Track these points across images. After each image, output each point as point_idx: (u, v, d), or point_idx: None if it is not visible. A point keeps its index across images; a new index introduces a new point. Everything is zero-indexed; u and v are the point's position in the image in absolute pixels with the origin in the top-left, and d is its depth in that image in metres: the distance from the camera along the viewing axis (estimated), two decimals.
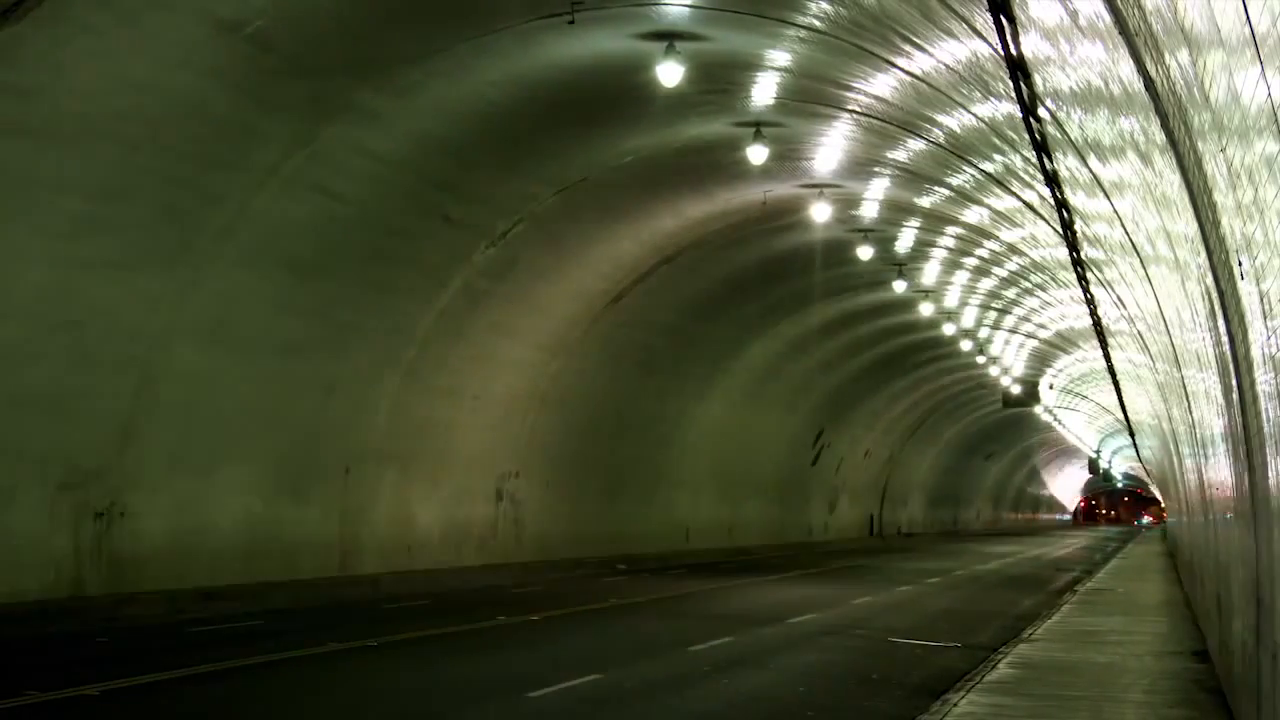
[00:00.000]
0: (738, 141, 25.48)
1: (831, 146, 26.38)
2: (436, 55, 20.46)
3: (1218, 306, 8.38)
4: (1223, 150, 6.50)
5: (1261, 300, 6.57)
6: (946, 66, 17.10)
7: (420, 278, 26.62)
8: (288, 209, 22.08)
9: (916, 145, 24.11)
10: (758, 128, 24.60)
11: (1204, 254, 8.33)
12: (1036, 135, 13.80)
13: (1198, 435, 14.49)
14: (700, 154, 27.05)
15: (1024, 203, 22.58)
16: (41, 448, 20.00)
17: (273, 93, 19.68)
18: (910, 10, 15.75)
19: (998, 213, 26.37)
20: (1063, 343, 47.59)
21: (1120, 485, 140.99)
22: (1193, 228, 8.54)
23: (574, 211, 28.21)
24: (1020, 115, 13.39)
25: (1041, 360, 56.40)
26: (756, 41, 20.55)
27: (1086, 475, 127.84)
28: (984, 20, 12.34)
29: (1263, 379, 7.10)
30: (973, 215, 28.99)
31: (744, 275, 36.71)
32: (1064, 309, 36.89)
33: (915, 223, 33.03)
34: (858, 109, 22.92)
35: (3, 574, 19.30)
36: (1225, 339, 8.43)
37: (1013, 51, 11.62)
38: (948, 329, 48.17)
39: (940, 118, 20.86)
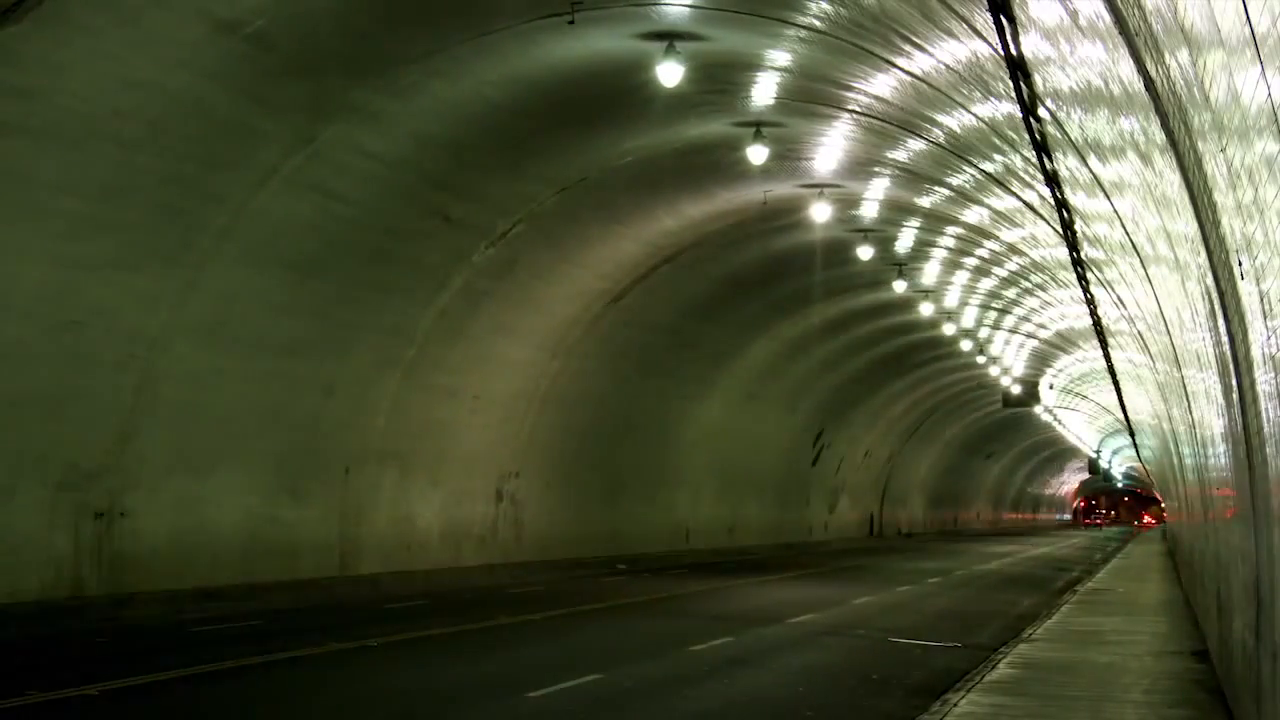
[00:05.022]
0: (738, 141, 25.47)
1: (831, 146, 26.38)
2: (436, 55, 20.46)
3: (1218, 306, 8.38)
4: (1223, 150, 6.50)
5: (1261, 300, 6.57)
6: (946, 66, 17.10)
7: (420, 278, 26.62)
8: (288, 209, 22.08)
9: (916, 145, 24.11)
10: (758, 128, 24.59)
11: (1204, 254, 8.33)
12: (1036, 135, 13.80)
13: (1198, 435, 14.49)
14: (700, 154, 27.05)
15: (1024, 203, 22.58)
16: (41, 448, 20.00)
17: (273, 93, 19.68)
18: (910, 10, 15.75)
19: (998, 213, 26.37)
20: (1063, 343, 47.60)
21: (1120, 485, 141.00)
22: (1193, 228, 8.54)
23: (574, 211, 28.21)
24: (1020, 115, 13.39)
25: (1041, 360, 56.41)
26: (756, 41, 20.55)
27: (1086, 475, 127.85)
28: (984, 20, 12.34)
29: (1263, 379, 7.11)
30: (973, 215, 29.00)
31: (744, 275, 36.70)
32: (1064, 309, 36.90)
33: (915, 223, 33.03)
34: (858, 109, 22.92)
35: (3, 574, 19.31)
36: (1225, 339, 8.44)
37: (1013, 51, 11.62)
38: (948, 329, 48.17)
39: (940, 118, 20.86)
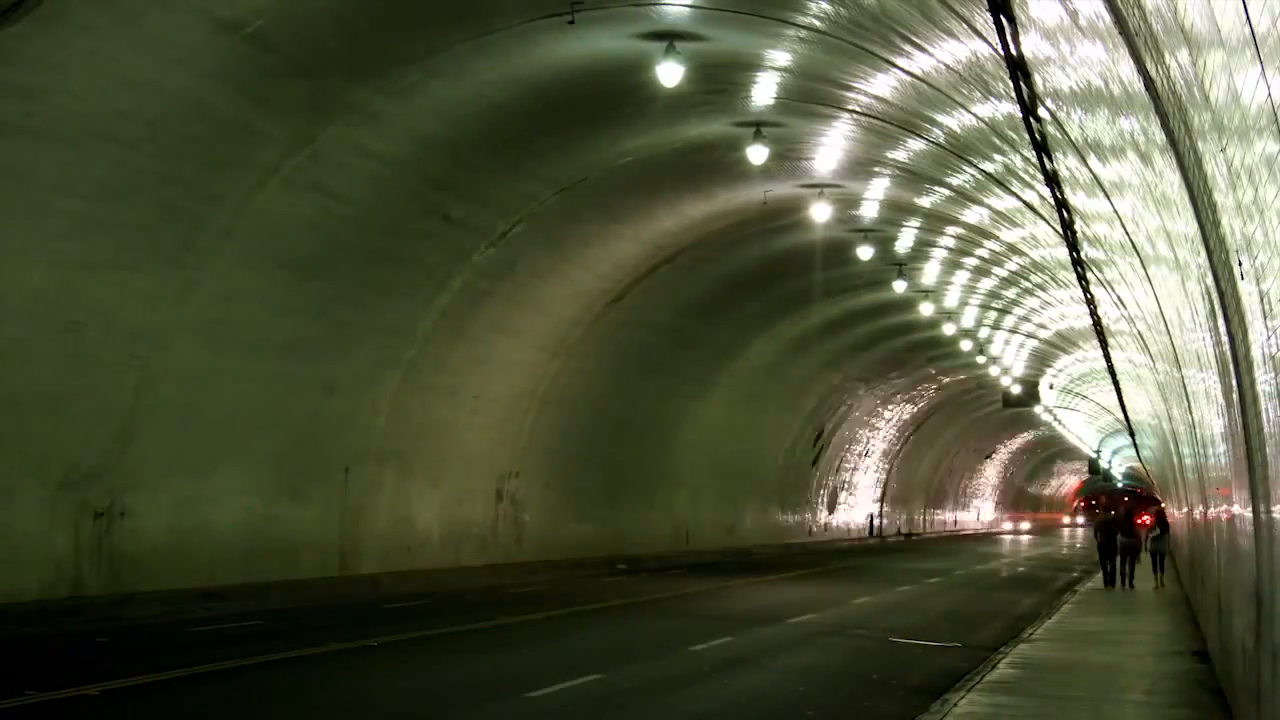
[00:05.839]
0: (738, 141, 25.47)
1: (831, 146, 26.37)
2: (436, 55, 20.46)
3: (1218, 306, 8.38)
4: (1223, 150, 6.51)
5: (1261, 300, 6.57)
6: (946, 66, 17.10)
7: (420, 278, 26.62)
8: (288, 209, 22.07)
9: (916, 145, 24.11)
10: (758, 128, 24.59)
11: (1204, 254, 8.33)
12: (1036, 135, 13.80)
13: (1198, 435, 14.50)
14: (700, 154, 27.05)
15: (1024, 203, 22.58)
16: (41, 448, 19.99)
17: (273, 93, 19.68)
18: (910, 10, 15.75)
19: (998, 213, 26.37)
20: (1063, 343, 47.59)
21: (1120, 485, 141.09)
22: (1193, 228, 8.54)
23: (574, 211, 28.20)
24: (1020, 115, 13.39)
25: (1041, 360, 56.39)
26: (756, 41, 20.55)
27: (1086, 475, 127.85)
28: (984, 20, 12.34)
29: (1263, 379, 7.10)
30: (973, 215, 28.99)
31: (744, 275, 36.70)
32: (1064, 309, 36.89)
33: (915, 223, 33.02)
34: (858, 109, 22.91)
35: (3, 574, 19.30)
36: (1225, 339, 8.44)
37: (1013, 51, 11.62)
38: (948, 329, 48.16)
39: (940, 118, 20.86)
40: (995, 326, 49.47)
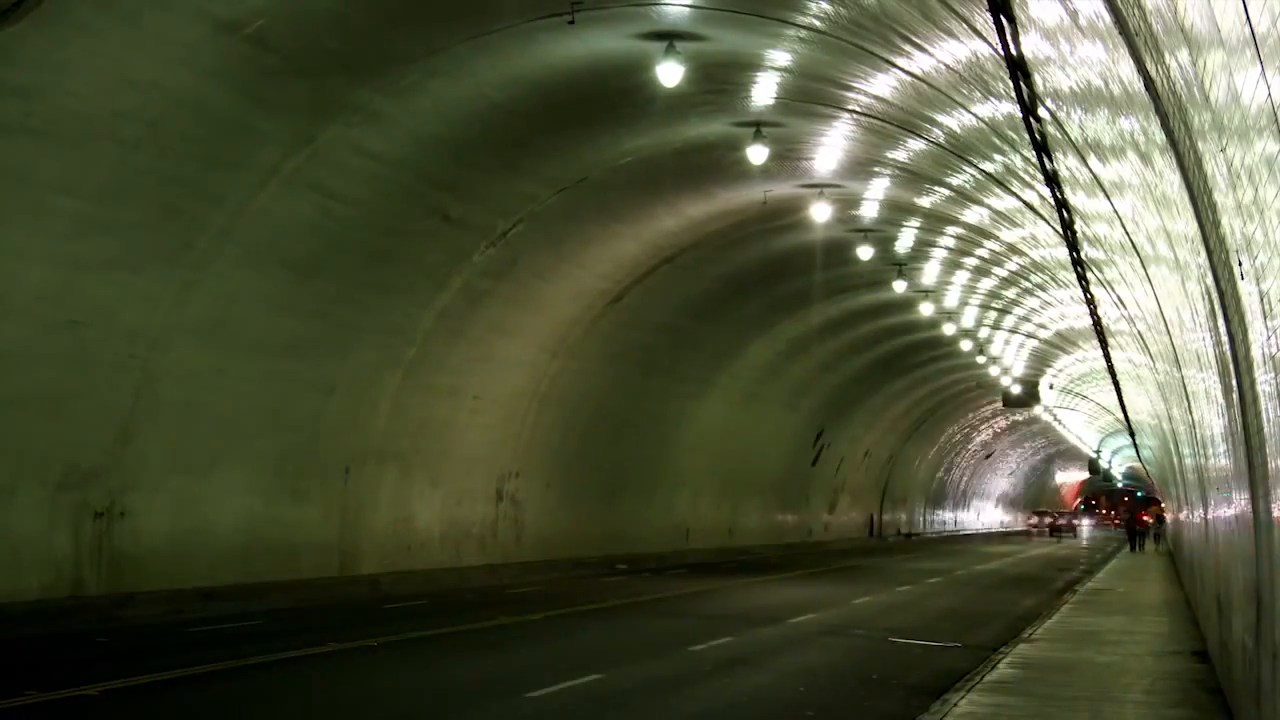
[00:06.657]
0: (738, 141, 25.47)
1: (831, 146, 26.37)
2: (436, 55, 20.46)
3: (1218, 306, 8.38)
4: (1223, 150, 6.51)
5: (1261, 300, 6.57)
6: (946, 66, 17.10)
7: (420, 278, 26.62)
8: (288, 209, 22.07)
9: (916, 145, 24.11)
10: (758, 128, 24.59)
11: (1204, 254, 8.34)
12: (1036, 135, 13.80)
13: (1198, 435, 14.50)
14: (700, 154, 27.05)
15: (1024, 203, 22.59)
16: (41, 448, 19.99)
17: (273, 93, 19.67)
18: (910, 10, 15.75)
19: (998, 213, 26.37)
20: (1063, 343, 47.60)
21: (1120, 485, 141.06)
22: (1193, 228, 8.54)
23: (574, 211, 28.21)
24: (1020, 115, 13.39)
25: (1041, 360, 56.40)
26: (756, 41, 20.55)
27: (1086, 475, 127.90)
28: (984, 20, 12.34)
29: (1263, 379, 7.11)
30: (973, 215, 28.99)
31: (744, 275, 36.70)
32: (1064, 309, 36.90)
33: (915, 223, 33.03)
34: (858, 109, 22.92)
35: (3, 574, 19.30)
36: (1225, 339, 8.44)
37: (1013, 51, 11.62)
38: (948, 329, 48.17)
39: (940, 118, 20.86)
40: (995, 326, 49.48)
